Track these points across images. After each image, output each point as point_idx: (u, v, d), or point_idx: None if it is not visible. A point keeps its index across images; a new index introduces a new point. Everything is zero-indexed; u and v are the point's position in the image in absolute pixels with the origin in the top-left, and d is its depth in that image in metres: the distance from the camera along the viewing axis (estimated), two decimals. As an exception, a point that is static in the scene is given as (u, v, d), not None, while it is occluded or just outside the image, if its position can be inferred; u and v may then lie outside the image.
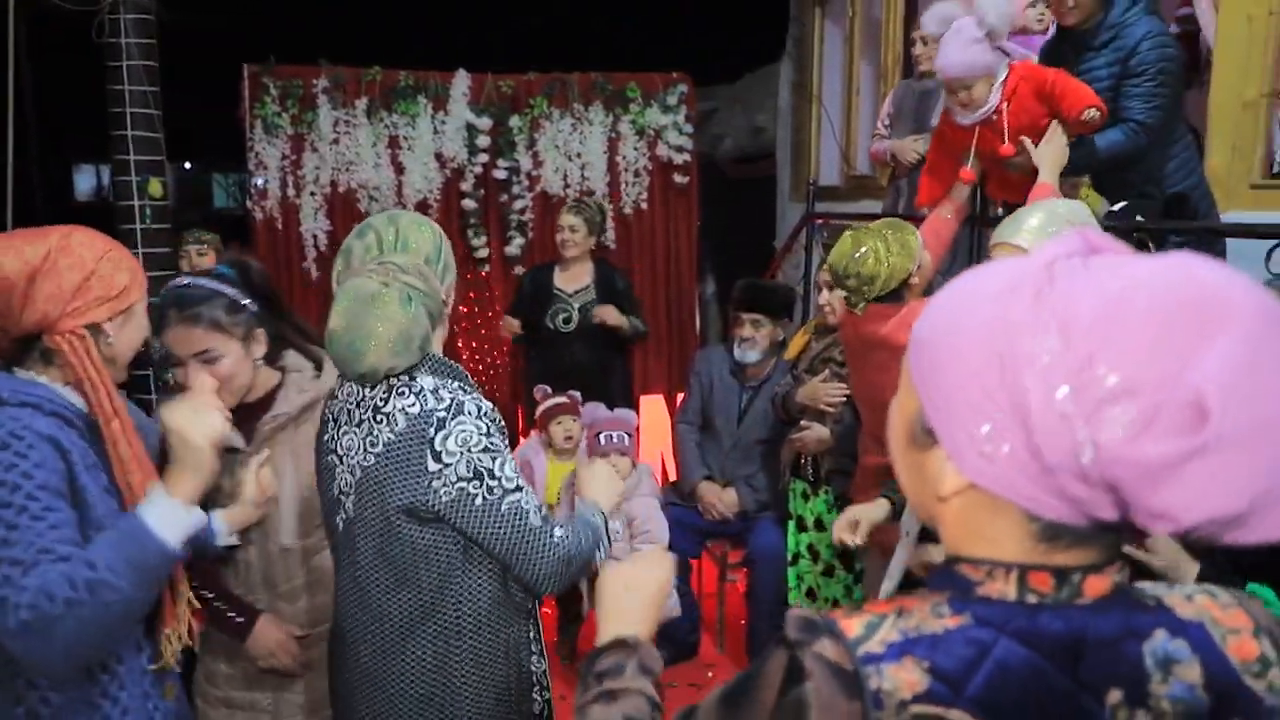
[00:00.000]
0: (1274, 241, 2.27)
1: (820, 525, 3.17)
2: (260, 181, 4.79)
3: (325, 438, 1.69)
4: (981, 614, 0.72)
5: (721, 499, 3.54)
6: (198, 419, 1.41)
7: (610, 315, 3.90)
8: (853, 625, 0.73)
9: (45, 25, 4.20)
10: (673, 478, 4.08)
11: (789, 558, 3.25)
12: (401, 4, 7.40)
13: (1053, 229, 1.81)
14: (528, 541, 1.56)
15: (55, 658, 1.26)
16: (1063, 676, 0.70)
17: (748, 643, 3.44)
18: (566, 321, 3.98)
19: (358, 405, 1.62)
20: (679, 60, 5.38)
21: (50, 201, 6.76)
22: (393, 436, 1.54)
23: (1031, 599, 0.72)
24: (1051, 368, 0.66)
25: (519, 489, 1.57)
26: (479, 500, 1.53)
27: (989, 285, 0.73)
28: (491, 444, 1.55)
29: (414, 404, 1.54)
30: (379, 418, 1.57)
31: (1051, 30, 3.50)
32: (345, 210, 4.87)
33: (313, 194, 4.82)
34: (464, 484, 1.52)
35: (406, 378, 1.57)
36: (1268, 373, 0.63)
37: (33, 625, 1.23)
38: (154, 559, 1.32)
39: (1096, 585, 0.73)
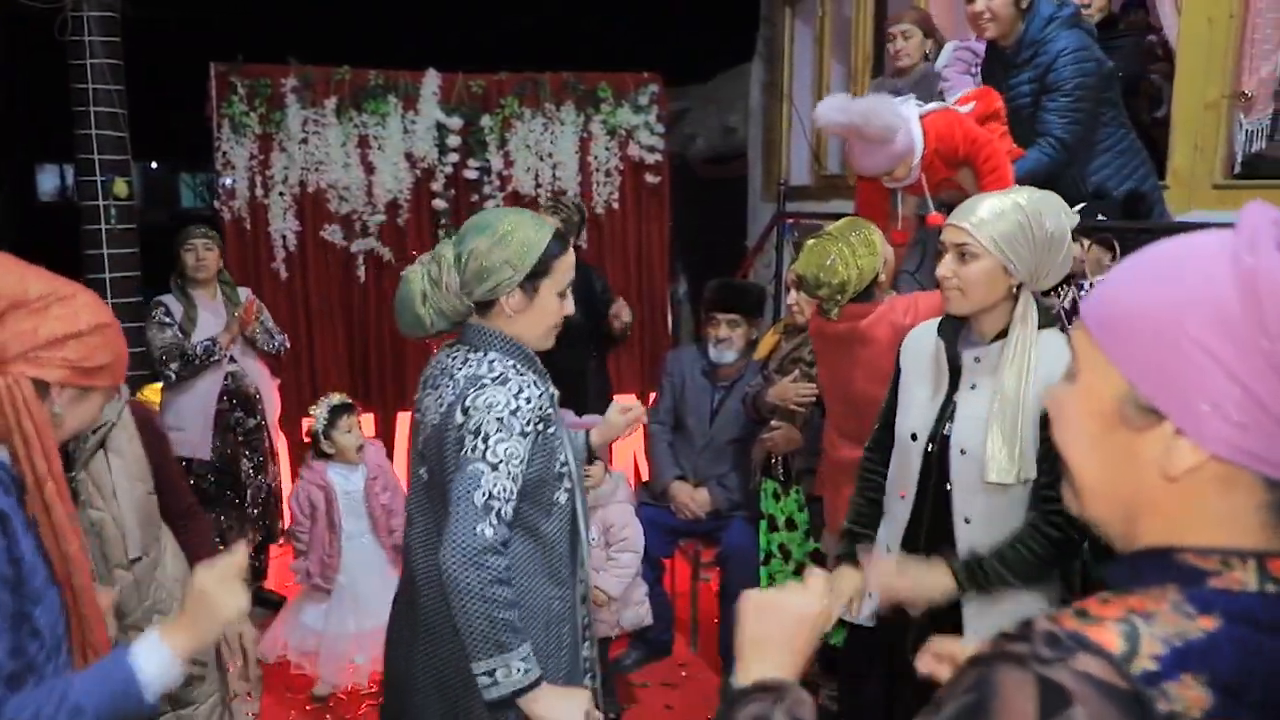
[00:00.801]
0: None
1: (791, 524, 3.19)
2: (228, 181, 4.73)
3: (416, 398, 1.87)
4: (1233, 610, 0.67)
5: (694, 499, 3.55)
6: (230, 593, 1.29)
7: (625, 313, 3.91)
8: (1108, 637, 0.65)
9: (7, 23, 4.13)
10: (645, 478, 4.08)
11: (761, 557, 3.26)
12: (371, 3, 7.35)
13: (1001, 214, 1.77)
14: (460, 510, 1.60)
15: None
16: None
17: (720, 641, 3.45)
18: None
19: (441, 372, 1.79)
20: (650, 60, 5.39)
21: (12, 202, 6.65)
22: (451, 396, 1.69)
23: (1271, 588, 0.68)
24: (1263, 337, 0.64)
25: (496, 468, 1.59)
26: (464, 453, 1.62)
27: (1192, 249, 0.71)
28: (510, 420, 1.62)
29: (472, 370, 1.70)
30: (448, 381, 1.73)
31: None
32: (315, 210, 4.83)
33: (282, 194, 4.78)
34: (466, 435, 1.62)
35: (480, 351, 1.74)
36: None
37: None
38: (134, 713, 1.22)
39: None
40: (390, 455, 4.40)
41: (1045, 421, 1.79)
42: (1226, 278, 0.67)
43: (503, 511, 1.60)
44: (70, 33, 4.15)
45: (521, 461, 1.63)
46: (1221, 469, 0.69)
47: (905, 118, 2.52)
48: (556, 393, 1.84)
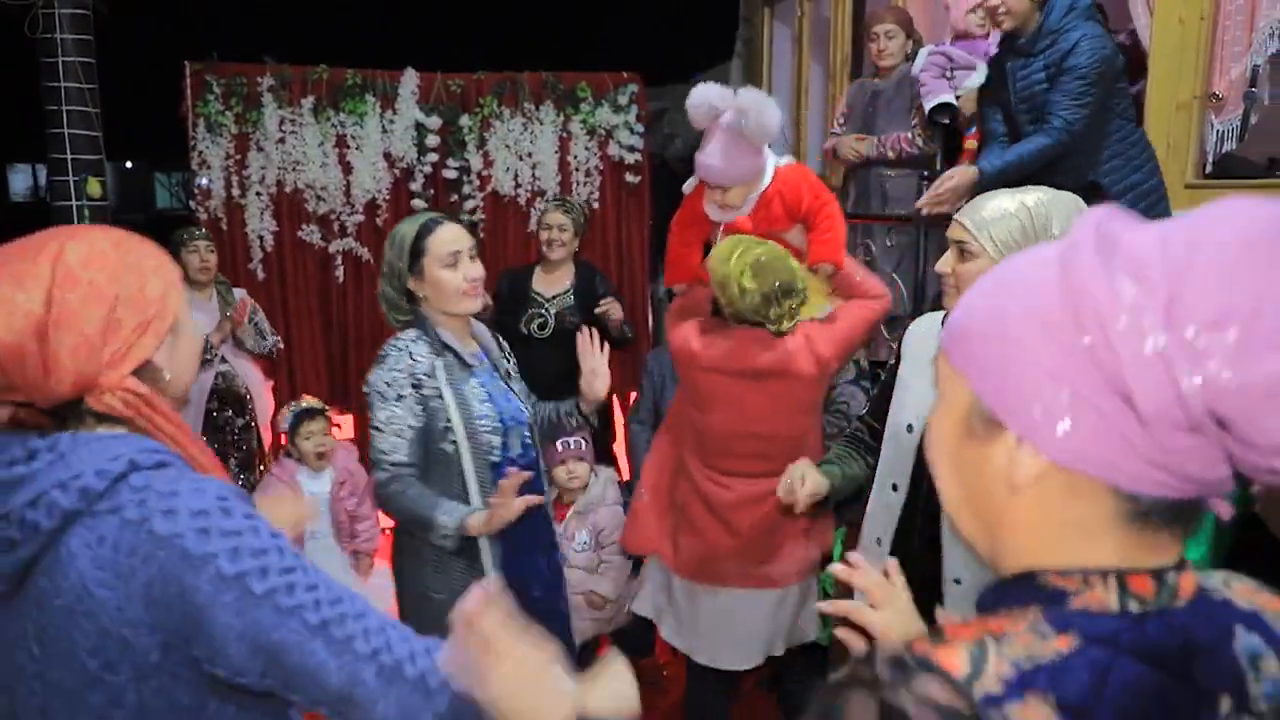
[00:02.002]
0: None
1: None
2: (204, 181, 4.69)
3: None
4: (1090, 630, 0.65)
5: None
6: (539, 668, 1.05)
7: (616, 309, 3.89)
8: (953, 659, 0.64)
9: (-25, 20, 4.07)
10: (626, 477, 4.08)
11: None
12: (348, 2, 7.30)
13: (1006, 215, 1.72)
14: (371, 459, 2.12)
15: None
16: (1181, 690, 0.65)
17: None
18: (541, 328, 3.89)
19: None
20: (630, 60, 5.39)
21: (-17, 202, 6.57)
22: None
23: (1134, 607, 0.67)
24: (1134, 316, 0.62)
25: (382, 431, 2.05)
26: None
27: (1032, 259, 0.71)
28: (386, 390, 2.03)
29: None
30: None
31: (994, 37, 3.57)
32: (292, 210, 4.80)
33: (259, 194, 4.74)
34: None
35: (412, 331, 2.15)
36: None
37: None
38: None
39: (1187, 585, 0.69)
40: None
41: None
42: (1050, 282, 0.67)
43: (394, 460, 2.05)
44: (41, 30, 4.10)
45: (402, 420, 2.03)
46: (1065, 478, 0.68)
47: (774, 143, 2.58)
48: (484, 360, 2.23)
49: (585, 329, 2.36)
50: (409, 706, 1.02)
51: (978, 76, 3.55)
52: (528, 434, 2.25)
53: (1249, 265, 0.61)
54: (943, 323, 1.95)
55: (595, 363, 2.31)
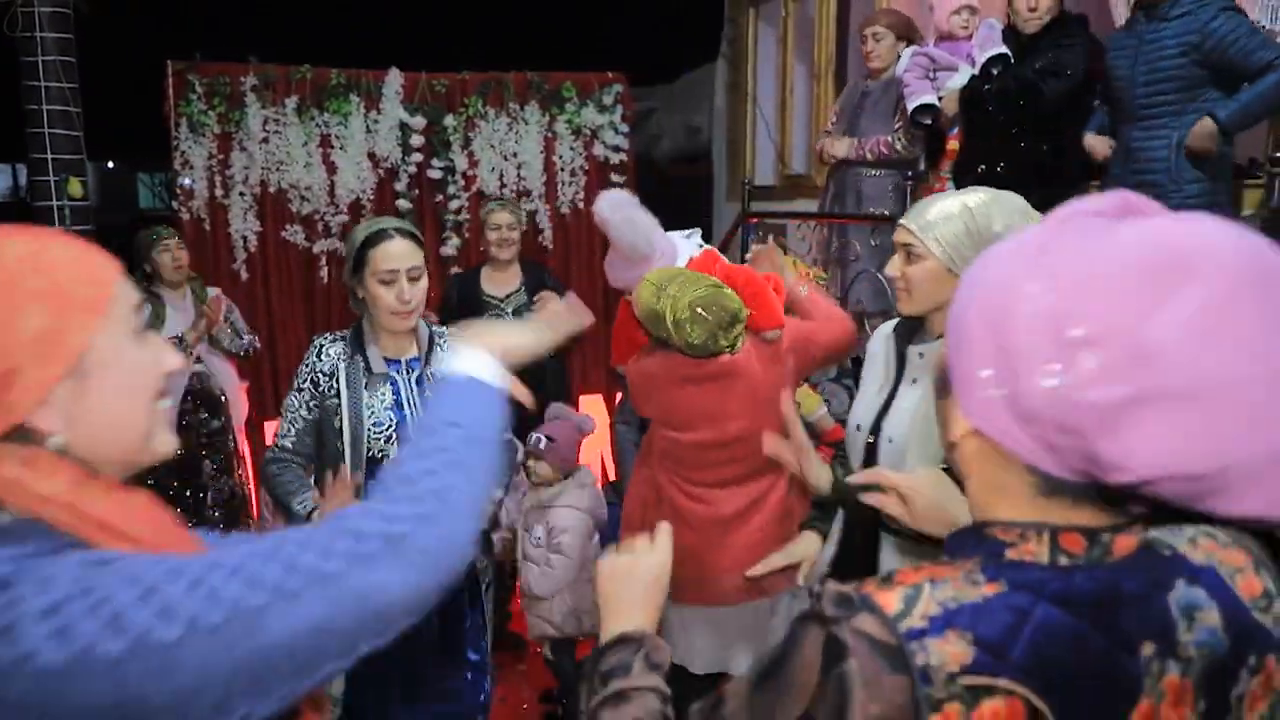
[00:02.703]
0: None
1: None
2: (187, 182, 4.66)
3: None
4: (1017, 579, 0.72)
5: (661, 497, 3.55)
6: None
7: (553, 304, 3.86)
8: (890, 599, 0.72)
9: (-46, 19, 4.04)
10: (612, 477, 4.08)
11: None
12: (332, 2, 7.27)
13: (949, 216, 1.75)
14: None
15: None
16: (1099, 635, 0.70)
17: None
18: None
19: None
20: (615, 61, 5.39)
21: (-38, 202, 6.51)
22: None
23: (1064, 560, 0.73)
24: (1037, 316, 0.70)
25: (282, 415, 2.17)
26: None
27: (1011, 241, 0.77)
28: (296, 382, 2.16)
29: None
30: None
31: (976, 38, 3.60)
32: (276, 211, 4.77)
33: (242, 194, 4.71)
34: None
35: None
36: (1232, 334, 0.65)
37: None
38: (498, 403, 1.05)
39: (1124, 544, 0.75)
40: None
41: None
42: (1010, 265, 0.74)
43: (281, 445, 2.15)
44: (21, 29, 4.06)
45: (294, 411, 2.14)
46: (988, 444, 0.77)
47: (668, 247, 2.61)
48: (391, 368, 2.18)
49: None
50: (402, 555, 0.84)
51: (960, 77, 3.56)
52: None
53: (1132, 296, 0.67)
54: (894, 329, 1.97)
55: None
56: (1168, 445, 0.66)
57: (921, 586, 0.73)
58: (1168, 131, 2.95)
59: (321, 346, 2.18)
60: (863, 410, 2.02)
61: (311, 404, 2.13)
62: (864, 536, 2.01)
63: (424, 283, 2.13)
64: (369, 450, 2.09)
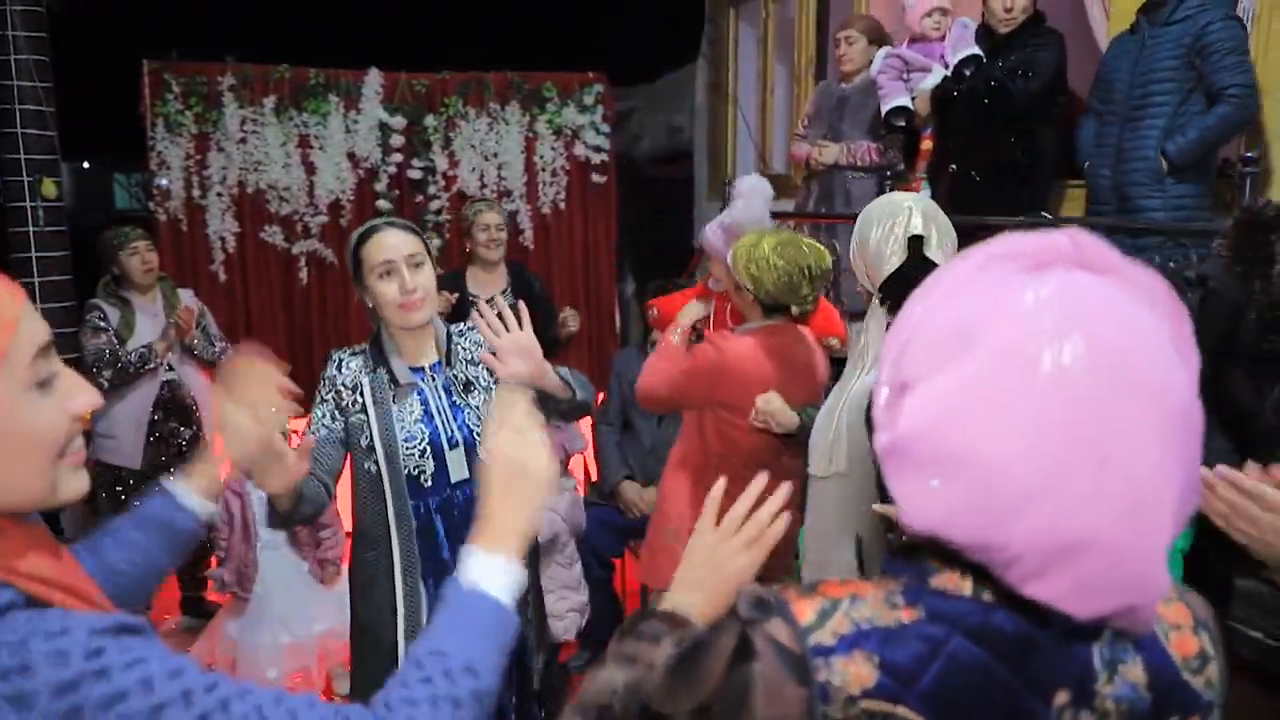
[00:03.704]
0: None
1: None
2: (163, 182, 4.62)
3: None
4: (936, 609, 0.71)
5: (642, 498, 3.55)
6: (529, 442, 1.08)
7: (575, 320, 3.87)
8: (805, 609, 0.72)
9: (-76, 17, 3.98)
10: (594, 478, 4.08)
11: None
12: (310, 1, 7.22)
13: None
14: None
15: None
16: (1011, 677, 0.69)
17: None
18: None
19: None
20: (595, 61, 5.39)
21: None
22: None
23: (987, 596, 0.71)
24: (892, 352, 0.73)
25: (309, 428, 1.98)
26: None
27: (952, 263, 0.77)
28: (319, 394, 2.01)
29: None
30: None
31: (949, 39, 3.63)
32: (254, 211, 4.74)
33: (220, 195, 4.68)
34: None
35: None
36: (997, 416, 0.64)
37: None
38: (504, 625, 0.99)
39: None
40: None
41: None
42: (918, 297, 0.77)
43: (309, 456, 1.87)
44: (-7, 28, 4.02)
45: (317, 422, 1.98)
46: None
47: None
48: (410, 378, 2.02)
49: (486, 307, 2.03)
50: None
51: (933, 78, 3.59)
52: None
53: (936, 351, 0.68)
54: None
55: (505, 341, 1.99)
56: (930, 505, 0.67)
57: (840, 602, 0.72)
58: (1156, 134, 2.96)
59: (340, 360, 2.02)
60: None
61: (336, 413, 1.97)
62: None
63: (428, 271, 1.98)
64: (406, 468, 1.95)
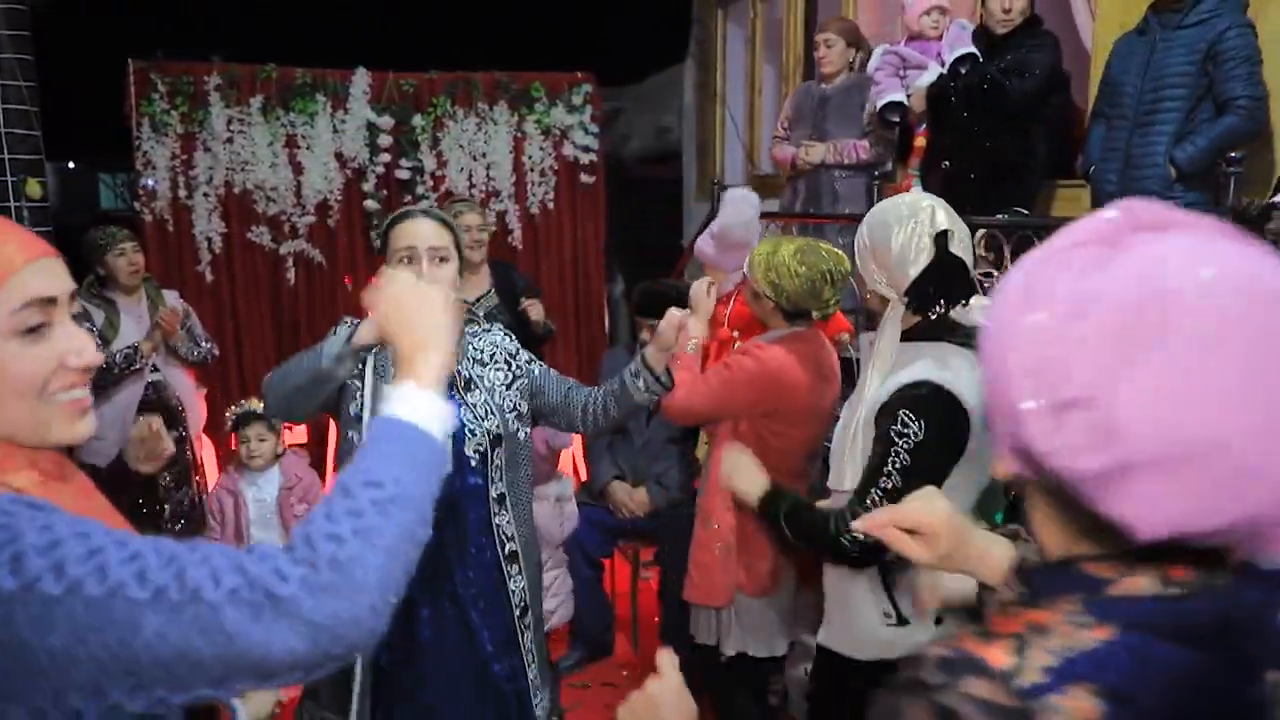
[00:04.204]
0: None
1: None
2: (149, 182, 4.59)
3: None
4: (1129, 617, 0.66)
5: (632, 498, 3.55)
6: (421, 288, 1.08)
7: (535, 310, 3.85)
8: (997, 654, 0.66)
9: (-94, 16, 3.94)
10: (584, 478, 4.08)
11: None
12: (298, 0, 7.20)
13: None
14: None
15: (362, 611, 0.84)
16: (1224, 669, 0.66)
17: (661, 640, 3.46)
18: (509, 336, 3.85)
19: None
20: (584, 61, 5.38)
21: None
22: None
23: (1172, 590, 0.67)
24: (1027, 373, 0.66)
25: None
26: None
27: (1012, 275, 0.72)
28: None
29: None
30: None
31: (946, 38, 3.65)
32: (241, 212, 4.72)
33: (206, 195, 4.65)
34: None
35: None
36: (1214, 391, 0.61)
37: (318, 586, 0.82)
38: (433, 457, 0.95)
39: (1230, 561, 0.70)
40: (323, 463, 4.31)
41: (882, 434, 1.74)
42: (1018, 300, 0.70)
43: None
44: (-24, 27, 3.98)
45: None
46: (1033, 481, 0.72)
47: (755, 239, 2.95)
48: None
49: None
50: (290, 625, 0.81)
51: (929, 75, 3.62)
52: (474, 451, 2.01)
53: (1107, 354, 0.63)
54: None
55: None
56: (1168, 507, 0.62)
57: (1025, 636, 0.66)
58: (1166, 140, 2.93)
59: (354, 324, 1.95)
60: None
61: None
62: None
63: (452, 267, 1.95)
64: None
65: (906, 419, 1.67)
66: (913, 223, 1.73)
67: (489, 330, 2.15)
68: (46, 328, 0.93)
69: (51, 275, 0.95)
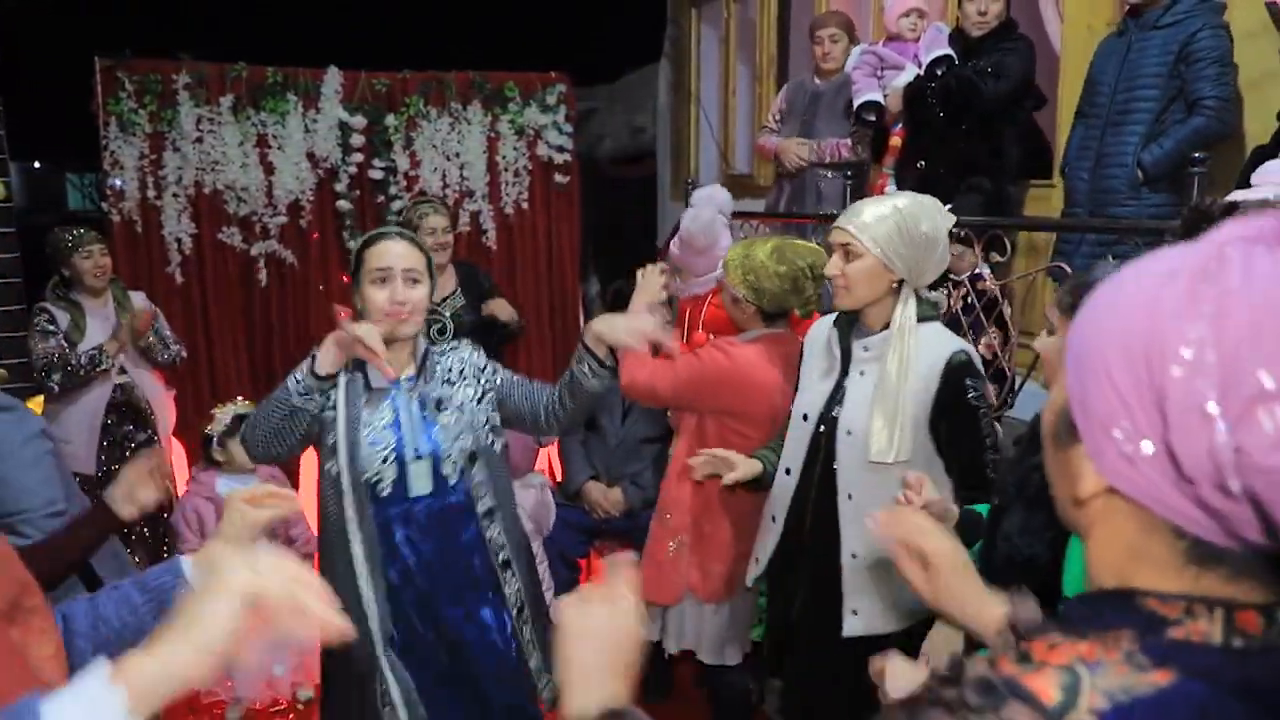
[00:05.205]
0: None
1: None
2: (117, 182, 4.53)
3: None
4: (1191, 665, 0.61)
5: (607, 498, 3.55)
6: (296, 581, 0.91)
7: (503, 310, 3.82)
8: (1045, 687, 0.61)
9: None
10: (559, 479, 4.07)
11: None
12: (268, -2, 7.13)
13: (881, 217, 1.92)
14: None
15: None
16: None
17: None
18: (441, 333, 3.84)
19: None
20: (557, 60, 5.37)
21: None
22: None
23: (1238, 642, 0.62)
24: (1198, 361, 0.59)
25: None
26: None
27: (1151, 268, 0.66)
28: None
29: None
30: None
31: (924, 40, 3.68)
32: (211, 212, 4.66)
33: (176, 195, 4.59)
34: None
35: None
36: None
37: None
38: None
39: None
40: (294, 464, 4.27)
41: (941, 408, 1.91)
42: (1154, 301, 0.63)
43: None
44: (-62, 24, 3.91)
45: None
46: (1129, 504, 0.66)
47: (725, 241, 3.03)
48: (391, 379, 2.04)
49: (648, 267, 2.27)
50: None
51: (906, 76, 3.66)
52: (451, 469, 2.07)
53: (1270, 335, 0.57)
54: (834, 323, 2.12)
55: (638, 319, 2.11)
56: None
57: (1076, 671, 0.62)
58: (1137, 140, 2.97)
59: (313, 357, 2.03)
60: (808, 400, 2.12)
61: (304, 410, 2.01)
62: (813, 529, 2.10)
63: (424, 289, 2.02)
64: (365, 473, 1.98)
65: (973, 385, 1.91)
66: (936, 213, 1.95)
67: (455, 348, 2.20)
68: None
69: None
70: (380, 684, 1.98)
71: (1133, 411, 0.62)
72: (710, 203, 3.17)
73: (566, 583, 3.50)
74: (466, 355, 2.20)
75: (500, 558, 2.13)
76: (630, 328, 2.05)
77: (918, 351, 1.93)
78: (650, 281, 2.30)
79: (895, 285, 1.96)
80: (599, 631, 0.95)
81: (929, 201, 1.98)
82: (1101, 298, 0.68)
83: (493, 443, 2.14)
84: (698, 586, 2.58)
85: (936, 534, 1.17)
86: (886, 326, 1.99)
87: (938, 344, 1.94)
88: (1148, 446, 0.61)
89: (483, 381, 2.17)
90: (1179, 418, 0.60)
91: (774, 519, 2.21)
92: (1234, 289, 0.60)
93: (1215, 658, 0.62)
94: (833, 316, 2.14)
